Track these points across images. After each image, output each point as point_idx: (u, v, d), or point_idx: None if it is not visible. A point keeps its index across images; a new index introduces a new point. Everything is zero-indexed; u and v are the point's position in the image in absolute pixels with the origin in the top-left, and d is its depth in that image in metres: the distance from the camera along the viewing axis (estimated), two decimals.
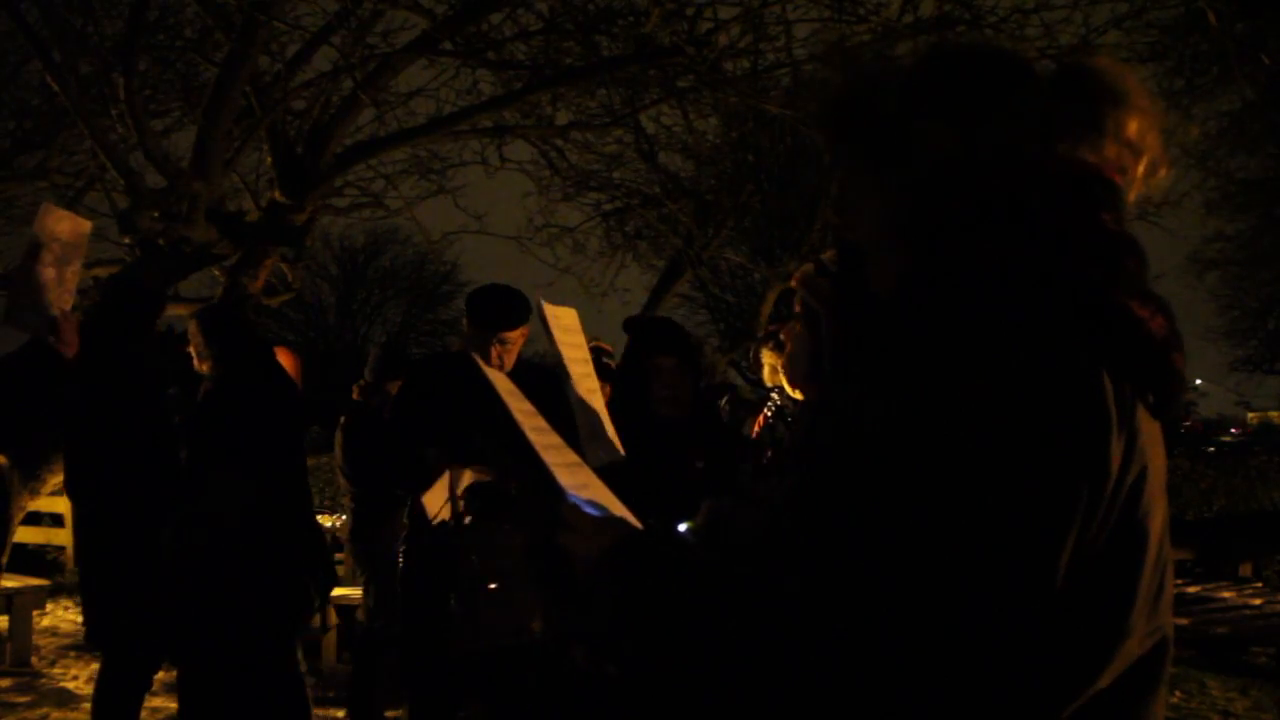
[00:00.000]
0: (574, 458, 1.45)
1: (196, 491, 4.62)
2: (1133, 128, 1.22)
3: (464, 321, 4.25)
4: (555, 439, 1.45)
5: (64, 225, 3.88)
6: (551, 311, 3.72)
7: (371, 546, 6.10)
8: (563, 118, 7.80)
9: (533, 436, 1.43)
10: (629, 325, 4.27)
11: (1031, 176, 1.18)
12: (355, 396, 6.45)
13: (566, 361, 3.69)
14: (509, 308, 4.12)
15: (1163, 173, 1.24)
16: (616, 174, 9.33)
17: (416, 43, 6.50)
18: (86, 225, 4.11)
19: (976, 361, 1.09)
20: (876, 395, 1.16)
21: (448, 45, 6.46)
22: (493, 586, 3.92)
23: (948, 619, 1.05)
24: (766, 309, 10.74)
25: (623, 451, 3.97)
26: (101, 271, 7.15)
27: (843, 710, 1.10)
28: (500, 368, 4.14)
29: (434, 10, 6.37)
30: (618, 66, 6.69)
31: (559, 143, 8.15)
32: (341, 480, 6.37)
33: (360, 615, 6.17)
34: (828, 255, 1.49)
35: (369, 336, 30.41)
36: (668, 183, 9.76)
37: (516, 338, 4.15)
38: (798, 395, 4.62)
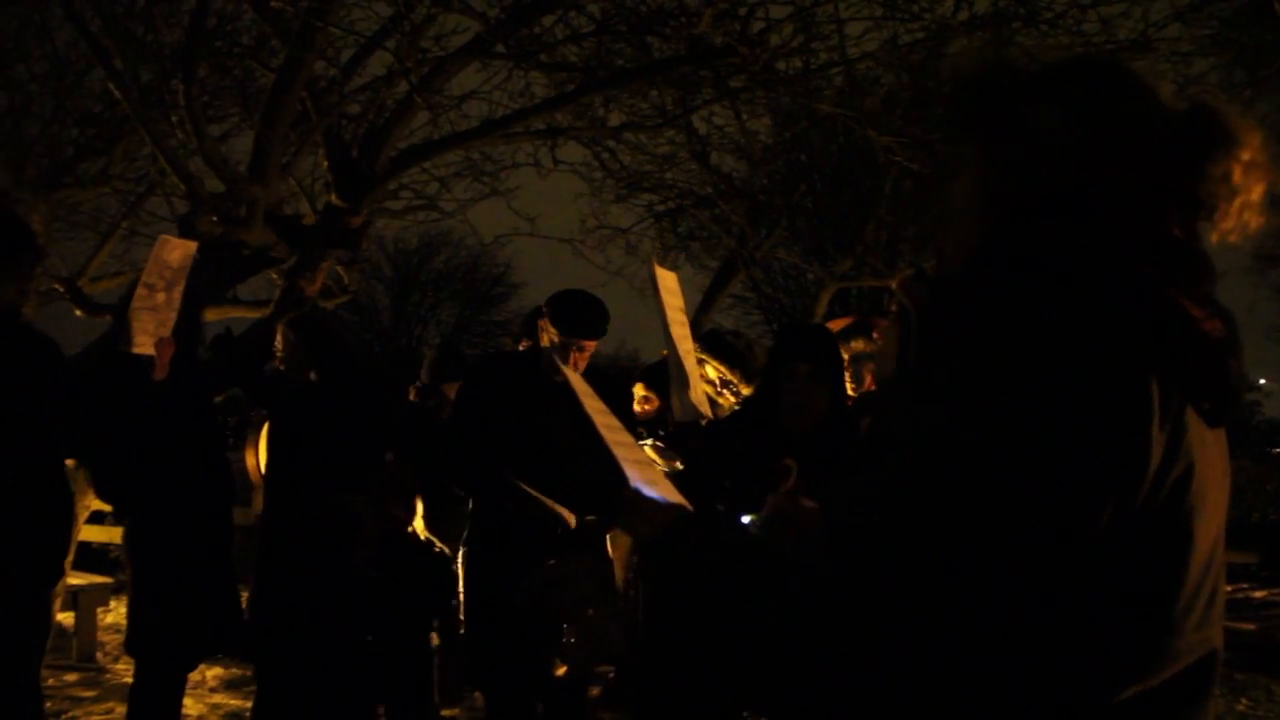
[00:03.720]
0: (642, 456, 1.56)
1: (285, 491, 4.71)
2: (1236, 172, 1.23)
3: (542, 323, 4.29)
4: (626, 437, 1.58)
5: (176, 254, 4.00)
6: (660, 273, 3.89)
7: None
8: (615, 119, 7.80)
9: (605, 433, 1.53)
10: (777, 332, 4.33)
11: (1115, 176, 1.20)
12: (411, 398, 6.51)
13: (669, 321, 3.82)
14: (592, 319, 4.19)
15: (1254, 221, 1.25)
16: (669, 175, 9.31)
17: (469, 46, 6.53)
18: (193, 247, 4.24)
19: (1025, 346, 1.12)
20: (931, 376, 1.18)
21: (500, 48, 6.49)
22: (591, 612, 3.97)
23: (992, 592, 1.06)
24: (820, 309, 10.67)
25: (708, 414, 4.04)
26: None
27: (882, 691, 1.11)
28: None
29: (486, 14, 6.40)
30: (670, 67, 6.69)
31: (611, 144, 8.16)
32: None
33: None
34: (929, 264, 1.54)
35: (423, 338, 30.66)
36: (720, 183, 9.73)
37: (593, 346, 4.22)
38: (851, 391, 4.62)
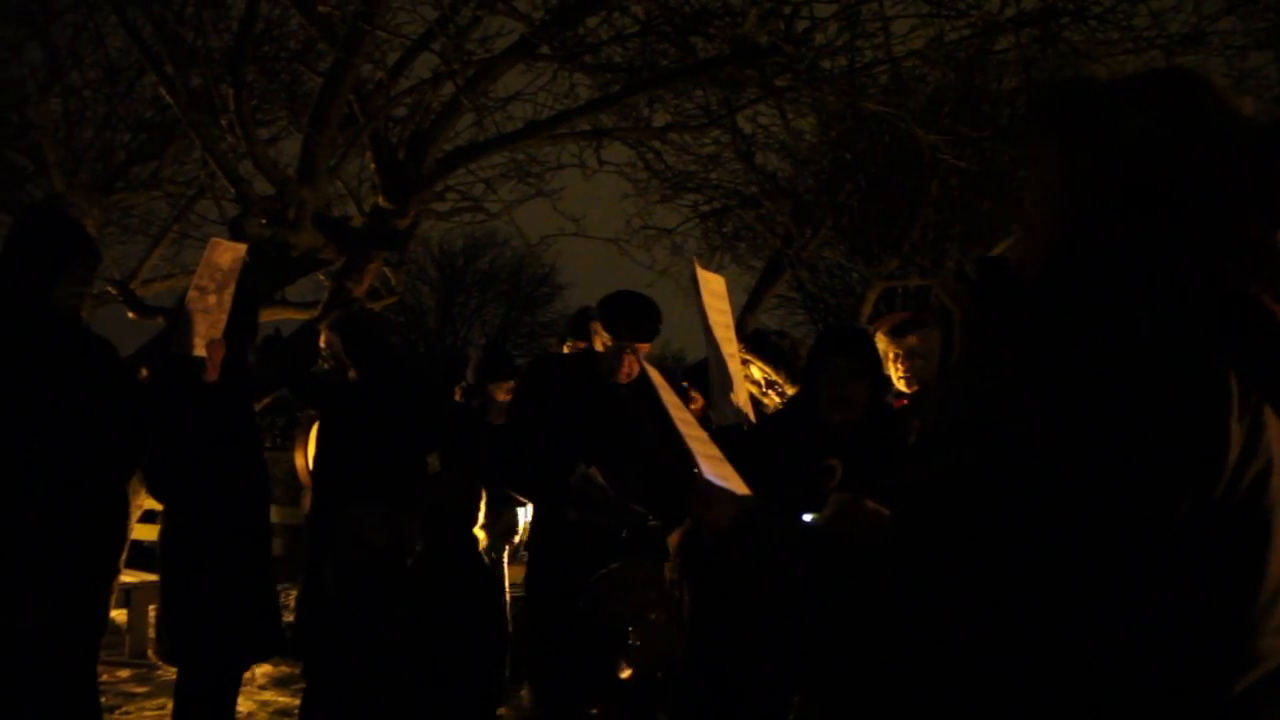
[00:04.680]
0: (716, 452, 1.58)
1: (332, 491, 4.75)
2: None
3: (594, 325, 4.30)
4: (701, 432, 1.59)
5: (226, 256, 4.05)
6: (703, 275, 3.88)
7: None
8: (660, 119, 7.81)
9: (680, 426, 1.57)
10: (817, 334, 4.33)
11: (1194, 178, 1.21)
12: (457, 398, 6.53)
13: (712, 325, 3.83)
14: (643, 322, 4.19)
15: None
16: (714, 175, 9.30)
17: (514, 48, 6.55)
18: (242, 249, 4.29)
19: (1104, 340, 1.12)
20: (1008, 368, 1.18)
21: (545, 50, 6.51)
22: (654, 616, 3.98)
23: (1066, 590, 1.06)
24: (866, 309, 10.61)
25: (752, 418, 4.05)
26: None
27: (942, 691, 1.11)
28: (629, 374, 4.21)
29: (531, 15, 6.42)
30: (715, 67, 6.67)
31: (656, 144, 8.16)
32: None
33: None
34: (969, 263, 1.54)
35: (468, 339, 30.81)
36: (765, 183, 9.70)
37: (647, 348, 4.23)
38: (903, 387, 4.60)
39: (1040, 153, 1.35)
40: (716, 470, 1.50)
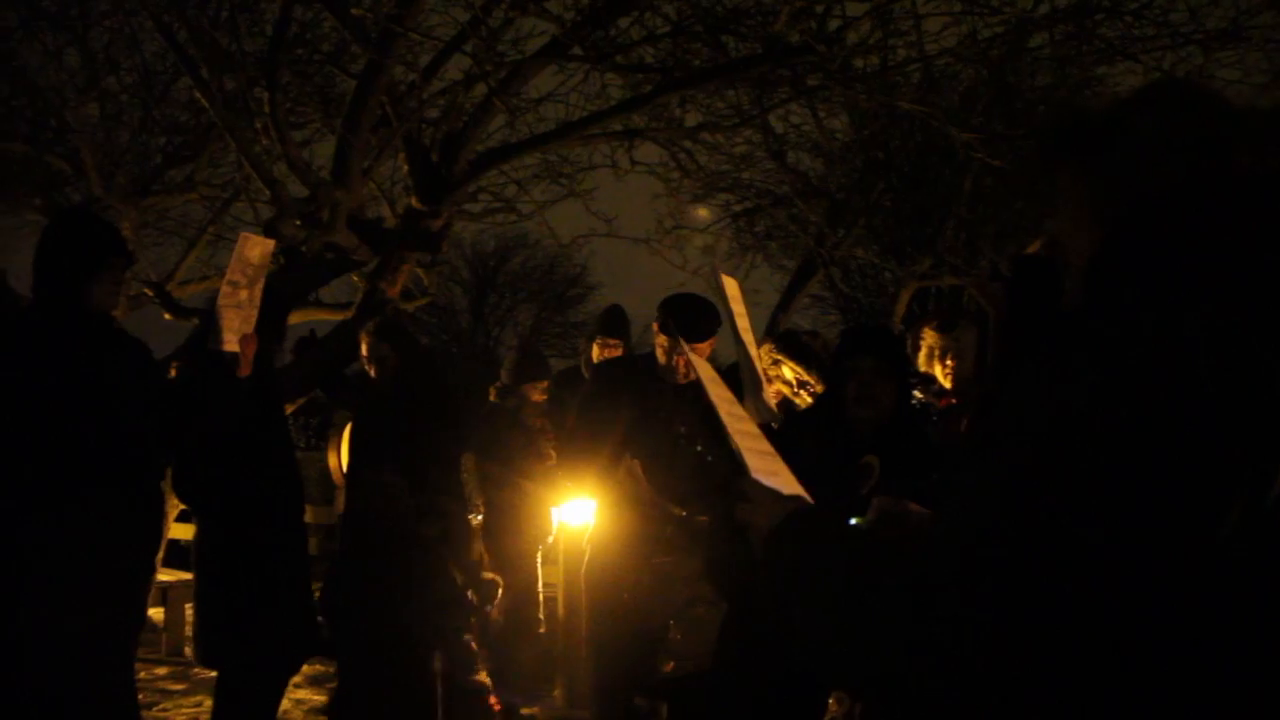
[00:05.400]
0: (767, 447, 1.56)
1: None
2: None
3: (654, 325, 4.34)
4: (751, 427, 1.56)
5: (256, 250, 4.08)
6: (726, 280, 3.97)
7: (496, 547, 6.23)
8: (692, 119, 7.79)
9: (729, 421, 1.53)
10: (841, 333, 4.34)
11: (1219, 175, 1.20)
12: (491, 398, 6.56)
13: (738, 329, 3.90)
14: (698, 323, 4.22)
15: None
16: (746, 174, 9.28)
17: (546, 49, 6.57)
18: (271, 244, 4.33)
19: (1146, 351, 1.11)
20: (1046, 379, 1.17)
21: (577, 51, 6.52)
22: (701, 610, 4.00)
23: (1117, 598, 1.05)
24: (900, 309, 10.56)
25: (778, 413, 4.08)
26: None
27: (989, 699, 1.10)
28: (685, 375, 4.25)
29: (562, 16, 6.44)
30: (747, 67, 6.66)
31: (688, 144, 8.15)
32: (474, 479, 6.49)
33: (495, 614, 6.27)
34: (1004, 263, 1.53)
35: (500, 340, 30.88)
36: (797, 182, 9.67)
37: (705, 349, 4.25)
38: (948, 384, 4.59)
39: (1060, 179, 1.35)
40: (766, 467, 1.47)
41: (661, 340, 4.28)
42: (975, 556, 1.11)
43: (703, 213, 9.41)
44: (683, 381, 4.29)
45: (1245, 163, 1.20)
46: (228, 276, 4.07)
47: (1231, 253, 1.15)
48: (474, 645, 4.67)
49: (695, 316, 4.26)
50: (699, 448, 4.10)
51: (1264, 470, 1.05)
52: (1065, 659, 1.07)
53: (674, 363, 4.25)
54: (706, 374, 1.68)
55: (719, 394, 1.62)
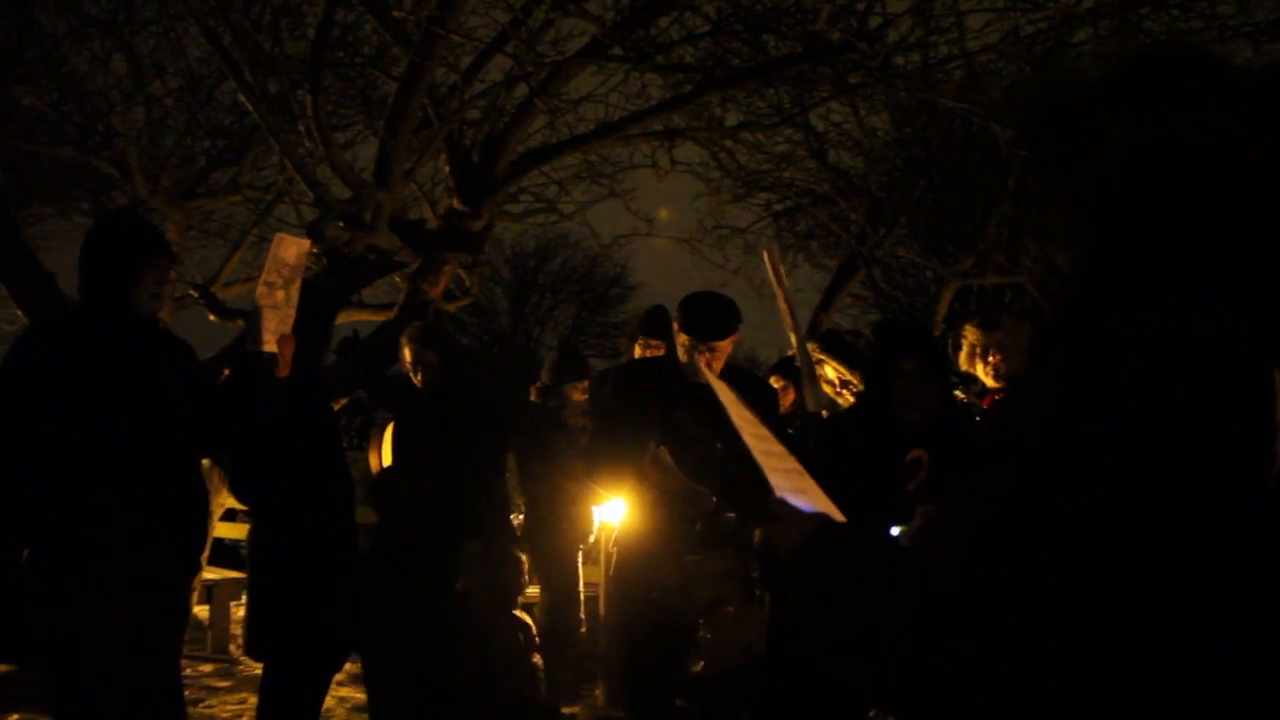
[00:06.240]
0: (793, 464, 1.50)
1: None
2: None
3: (675, 325, 4.31)
4: (775, 445, 1.51)
5: (291, 251, 4.11)
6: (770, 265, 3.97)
7: (538, 546, 6.24)
8: (732, 118, 7.78)
9: (752, 441, 1.48)
10: (876, 330, 4.31)
11: (1214, 170, 1.16)
12: (532, 398, 6.57)
13: (787, 319, 3.90)
14: (717, 319, 4.19)
15: None
16: (787, 173, 9.24)
17: (586, 49, 6.58)
18: (307, 244, 4.35)
19: (1146, 358, 1.09)
20: (1054, 386, 1.15)
21: (617, 51, 6.52)
22: (731, 610, 3.98)
23: (1135, 596, 1.03)
24: (942, 308, 10.48)
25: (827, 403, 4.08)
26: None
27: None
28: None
29: (602, 17, 6.44)
30: (787, 66, 6.64)
31: (729, 144, 8.14)
32: (515, 479, 6.50)
33: (538, 613, 6.28)
34: (1059, 258, 1.50)
35: (541, 340, 30.95)
36: (839, 181, 9.62)
37: (725, 346, 4.21)
38: (991, 382, 4.55)
39: (1048, 180, 1.31)
40: (793, 484, 1.43)
41: (683, 339, 4.25)
42: (983, 567, 1.10)
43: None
44: (703, 381, 4.26)
45: (1240, 137, 1.16)
46: (264, 277, 4.09)
47: (1217, 272, 1.12)
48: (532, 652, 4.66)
49: (713, 314, 4.22)
50: (719, 445, 4.08)
51: (1261, 459, 1.04)
52: (1081, 676, 1.05)
53: (695, 361, 4.21)
54: (725, 396, 1.61)
55: (740, 415, 1.56)
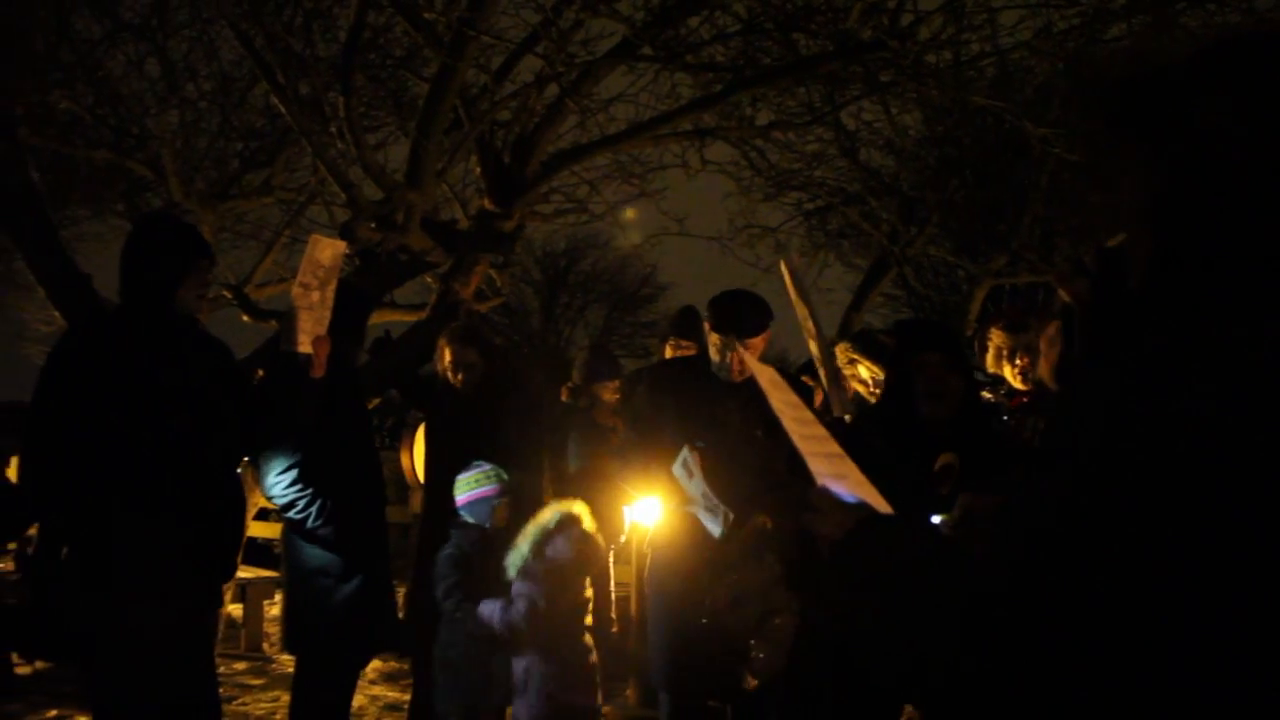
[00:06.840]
0: (835, 449, 1.48)
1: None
2: None
3: (706, 325, 4.32)
4: (817, 429, 1.49)
5: (327, 252, 4.14)
6: (786, 272, 3.96)
7: None
8: (763, 118, 7.76)
9: (793, 426, 1.46)
10: (897, 328, 4.29)
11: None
12: (564, 398, 6.58)
13: (804, 317, 3.90)
14: (748, 317, 4.19)
15: None
16: (818, 172, 9.21)
17: (617, 49, 6.57)
18: (343, 245, 4.39)
19: (1217, 365, 1.05)
20: (1116, 388, 1.12)
21: (647, 50, 6.51)
22: (778, 620, 3.97)
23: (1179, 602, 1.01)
24: (975, 307, 10.41)
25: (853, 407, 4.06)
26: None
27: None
28: (740, 373, 4.21)
29: (633, 17, 6.43)
30: (818, 64, 6.61)
31: (759, 143, 8.12)
32: (546, 478, 6.51)
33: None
34: (1088, 256, 1.46)
35: (572, 340, 30.99)
36: (870, 180, 9.59)
37: (758, 344, 4.21)
38: (1019, 385, 4.51)
39: (1123, 162, 1.27)
40: (835, 470, 1.40)
41: (714, 339, 4.24)
42: (1035, 567, 1.08)
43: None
44: (738, 379, 4.24)
45: None
46: (299, 279, 4.12)
47: None
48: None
49: (744, 311, 4.21)
50: (759, 432, 4.05)
51: None
52: (1140, 684, 1.03)
53: (728, 360, 4.21)
54: (767, 378, 1.58)
55: (783, 399, 1.54)
